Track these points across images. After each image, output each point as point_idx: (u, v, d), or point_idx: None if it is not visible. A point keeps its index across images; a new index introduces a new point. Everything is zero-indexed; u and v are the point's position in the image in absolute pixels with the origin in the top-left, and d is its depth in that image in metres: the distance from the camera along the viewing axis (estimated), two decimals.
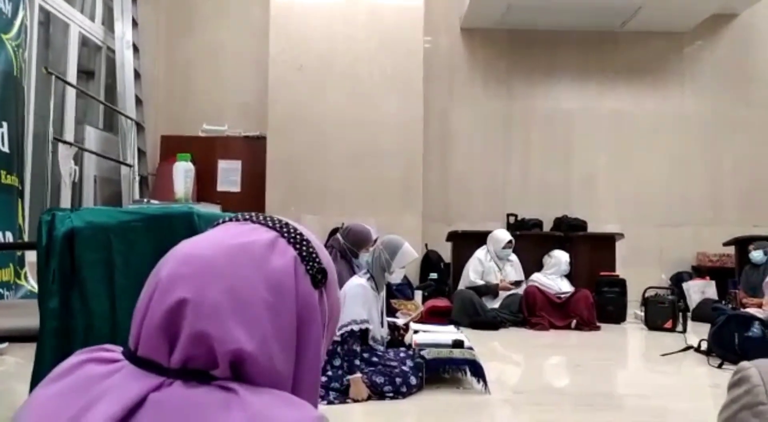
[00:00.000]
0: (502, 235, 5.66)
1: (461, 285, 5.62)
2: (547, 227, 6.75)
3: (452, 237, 6.28)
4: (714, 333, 4.02)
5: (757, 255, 5.33)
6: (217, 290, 0.61)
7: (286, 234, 0.69)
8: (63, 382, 0.63)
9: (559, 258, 5.66)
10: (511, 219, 6.79)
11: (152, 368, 0.61)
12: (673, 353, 4.23)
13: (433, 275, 6.26)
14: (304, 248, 0.69)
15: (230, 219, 0.72)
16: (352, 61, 6.40)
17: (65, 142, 4.75)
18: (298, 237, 0.69)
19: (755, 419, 0.63)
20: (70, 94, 5.20)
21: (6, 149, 3.42)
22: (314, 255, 0.69)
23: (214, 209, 4.72)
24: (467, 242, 6.03)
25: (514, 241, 5.64)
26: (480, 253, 5.67)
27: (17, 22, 3.70)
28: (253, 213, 0.73)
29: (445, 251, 6.49)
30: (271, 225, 0.70)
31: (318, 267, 0.69)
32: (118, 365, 0.63)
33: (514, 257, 5.72)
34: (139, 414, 0.58)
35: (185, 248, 0.66)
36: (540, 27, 6.89)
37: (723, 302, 5.64)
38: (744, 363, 0.71)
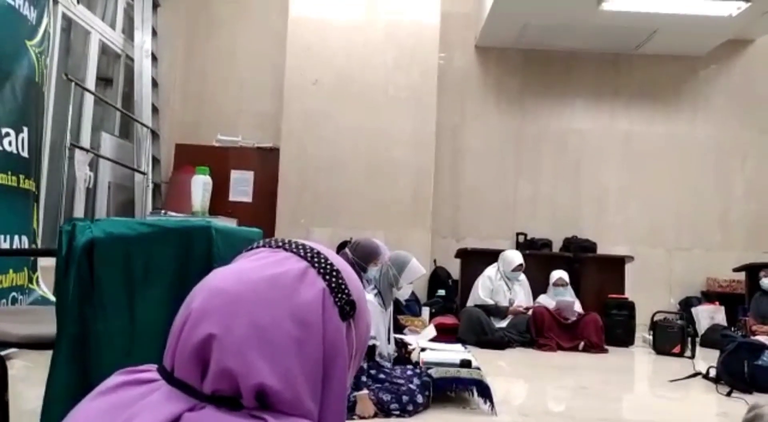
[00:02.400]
0: (514, 257, 5.64)
1: (470, 303, 5.61)
2: (556, 247, 6.73)
3: (461, 254, 6.27)
4: (723, 361, 3.99)
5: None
6: (243, 325, 0.63)
7: (316, 265, 0.69)
8: (106, 398, 0.66)
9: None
10: (521, 239, 6.78)
11: (187, 390, 0.63)
12: (681, 379, 4.20)
13: (441, 292, 6.25)
14: (334, 279, 0.69)
15: (264, 245, 0.73)
16: (367, 75, 6.45)
17: (82, 148, 4.81)
18: (328, 267, 0.69)
19: None
20: (88, 100, 5.27)
21: (25, 154, 3.47)
22: (344, 287, 0.69)
23: (230, 222, 4.76)
24: (476, 259, 6.02)
25: (524, 265, 5.63)
26: (490, 271, 5.66)
27: (41, 29, 3.76)
28: (286, 241, 0.73)
29: (454, 268, 6.49)
30: (302, 254, 0.70)
31: (347, 299, 0.69)
32: (155, 385, 0.66)
33: (523, 277, 5.71)
34: None
35: (216, 280, 0.68)
36: (555, 47, 6.92)
37: (732, 329, 5.59)
38: (759, 401, 0.71)
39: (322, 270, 0.69)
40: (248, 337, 0.63)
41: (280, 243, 0.72)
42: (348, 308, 0.69)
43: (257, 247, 0.73)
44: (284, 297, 0.65)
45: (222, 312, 0.64)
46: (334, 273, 0.69)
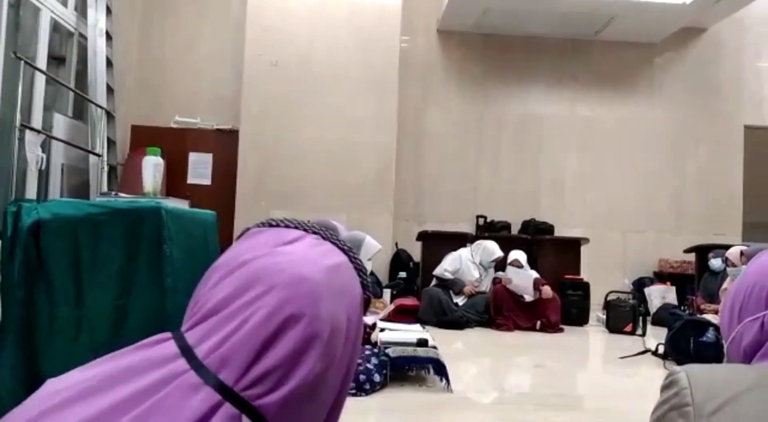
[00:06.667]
0: (495, 249, 5.69)
1: (435, 272, 5.70)
2: (515, 230, 6.85)
3: (422, 236, 6.33)
4: (671, 338, 4.15)
5: (715, 263, 5.48)
6: (326, 317, 0.63)
7: (353, 260, 0.72)
8: (119, 383, 0.59)
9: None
10: (480, 221, 6.87)
11: (217, 386, 0.59)
12: (631, 356, 4.35)
13: (402, 274, 6.31)
14: (364, 275, 0.73)
15: (305, 229, 0.72)
16: (328, 58, 6.41)
17: (33, 129, 4.67)
18: (359, 263, 0.73)
19: (681, 419, 0.69)
20: (40, 80, 5.10)
21: None
22: (368, 284, 0.73)
23: (182, 204, 4.69)
24: (437, 242, 6.10)
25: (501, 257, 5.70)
26: (464, 252, 5.73)
27: None
28: (322, 229, 0.73)
29: (415, 250, 6.55)
30: (340, 246, 0.72)
31: (368, 296, 0.73)
32: (176, 367, 0.60)
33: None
34: None
35: (294, 267, 0.65)
36: (515, 33, 6.98)
37: (681, 308, 5.80)
38: (675, 368, 0.76)
39: (357, 266, 0.72)
40: (326, 330, 0.63)
41: (324, 236, 0.72)
42: (368, 304, 0.73)
43: (285, 227, 0.71)
44: (345, 289, 0.68)
45: (306, 298, 0.63)
46: (363, 270, 0.73)
